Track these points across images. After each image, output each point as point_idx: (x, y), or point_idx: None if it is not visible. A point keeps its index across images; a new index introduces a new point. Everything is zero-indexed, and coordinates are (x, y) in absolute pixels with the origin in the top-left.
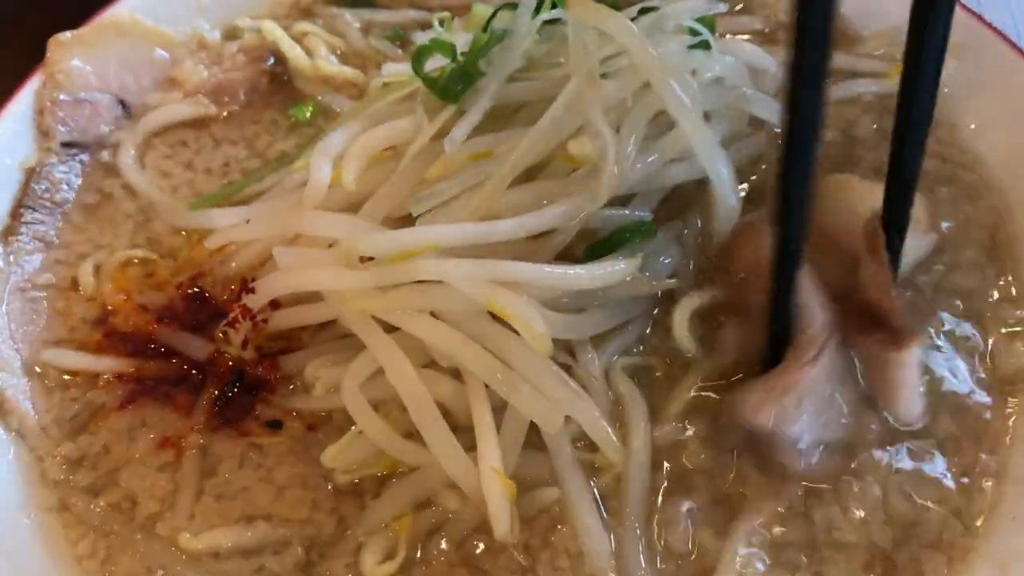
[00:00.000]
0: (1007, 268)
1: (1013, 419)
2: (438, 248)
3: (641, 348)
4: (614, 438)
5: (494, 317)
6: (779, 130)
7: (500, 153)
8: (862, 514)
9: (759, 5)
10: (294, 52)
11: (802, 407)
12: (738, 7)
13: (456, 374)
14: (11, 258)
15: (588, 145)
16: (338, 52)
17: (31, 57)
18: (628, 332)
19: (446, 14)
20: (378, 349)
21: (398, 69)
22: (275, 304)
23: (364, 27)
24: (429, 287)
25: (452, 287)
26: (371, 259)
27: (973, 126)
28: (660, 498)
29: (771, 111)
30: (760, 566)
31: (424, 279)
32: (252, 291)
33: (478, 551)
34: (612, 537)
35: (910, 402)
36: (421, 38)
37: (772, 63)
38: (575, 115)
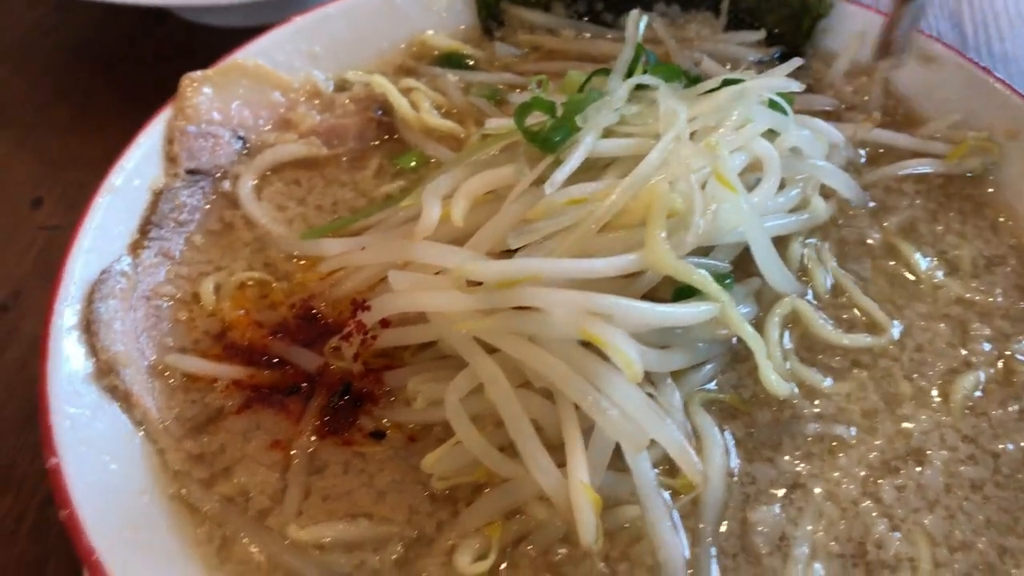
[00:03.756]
0: None
1: None
2: (538, 279)
3: (716, 385)
4: (696, 459)
5: (584, 345)
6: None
7: (593, 200)
8: None
9: (827, 86)
10: (401, 104)
11: None
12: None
13: (548, 395)
14: (139, 269)
15: (677, 199)
16: (440, 107)
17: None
18: (705, 371)
19: (543, 76)
20: (480, 367)
21: (499, 123)
22: (384, 323)
23: (464, 87)
24: (529, 313)
25: (549, 315)
26: (477, 287)
27: None
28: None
29: (840, 181)
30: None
31: (526, 305)
32: (367, 309)
33: (561, 559)
34: (688, 554)
35: None
36: (516, 98)
37: (840, 138)
38: (664, 170)
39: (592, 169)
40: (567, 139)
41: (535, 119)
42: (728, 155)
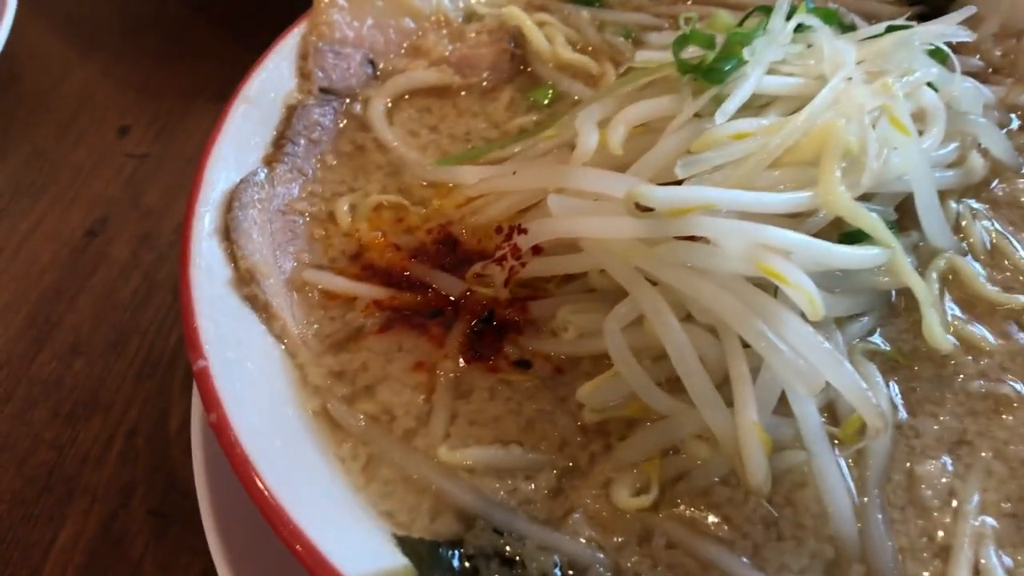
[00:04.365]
0: None
1: None
2: (710, 209)
3: (878, 338)
4: (877, 402)
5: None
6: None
7: (761, 135)
8: None
9: (972, 47)
10: (536, 36)
11: None
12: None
13: (712, 332)
14: (274, 181)
15: (852, 139)
16: (573, 44)
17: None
18: (864, 322)
19: (693, 14)
20: (643, 298)
21: (648, 56)
22: (536, 251)
23: (597, 25)
24: (699, 245)
25: (721, 247)
26: (644, 214)
27: None
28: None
29: (997, 141)
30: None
31: (695, 237)
32: (524, 232)
33: (723, 499)
34: (856, 503)
35: None
36: (655, 38)
37: (992, 98)
38: (836, 110)
39: (751, 107)
40: (736, 70)
41: (688, 55)
42: (903, 98)
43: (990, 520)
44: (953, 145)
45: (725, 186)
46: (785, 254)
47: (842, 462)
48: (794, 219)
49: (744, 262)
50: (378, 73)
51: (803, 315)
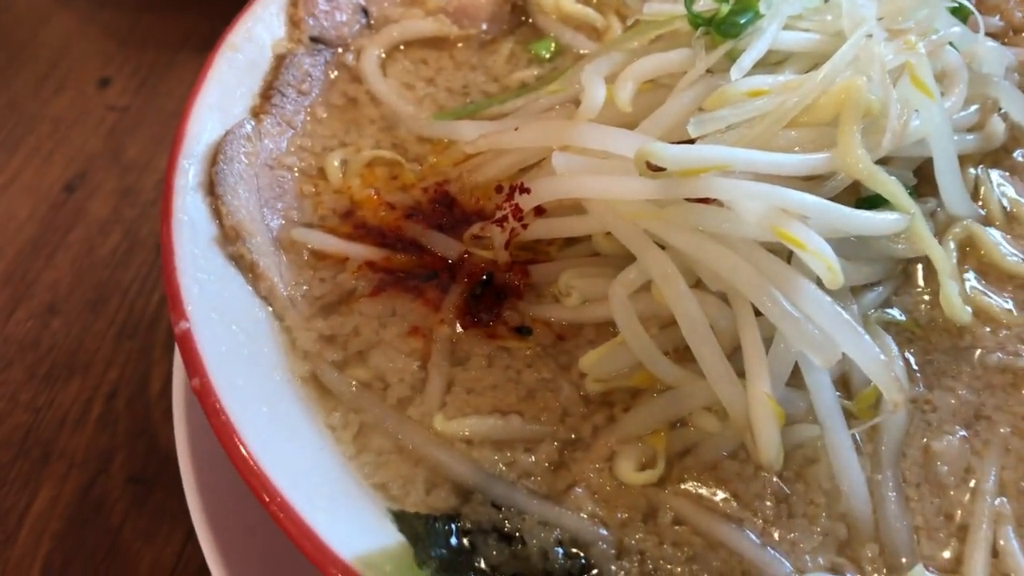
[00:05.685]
0: None
1: None
2: (724, 170)
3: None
4: (900, 376)
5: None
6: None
7: (778, 92)
8: None
9: (991, 7)
10: None
11: None
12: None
13: (723, 299)
14: (261, 134)
15: (873, 99)
16: None
17: None
18: (879, 291)
19: None
20: (651, 262)
21: (659, 8)
22: (539, 212)
23: None
24: (711, 208)
25: (735, 210)
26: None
27: None
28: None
29: (1017, 105)
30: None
31: (711, 197)
32: (526, 192)
33: (732, 475)
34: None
35: None
36: None
37: (1013, 60)
38: (857, 68)
39: (763, 64)
40: (752, 23)
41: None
42: (926, 57)
43: (1009, 503)
44: (973, 108)
45: (739, 146)
46: (802, 219)
47: (856, 437)
48: (810, 182)
49: (760, 227)
50: (372, 22)
51: (819, 283)
